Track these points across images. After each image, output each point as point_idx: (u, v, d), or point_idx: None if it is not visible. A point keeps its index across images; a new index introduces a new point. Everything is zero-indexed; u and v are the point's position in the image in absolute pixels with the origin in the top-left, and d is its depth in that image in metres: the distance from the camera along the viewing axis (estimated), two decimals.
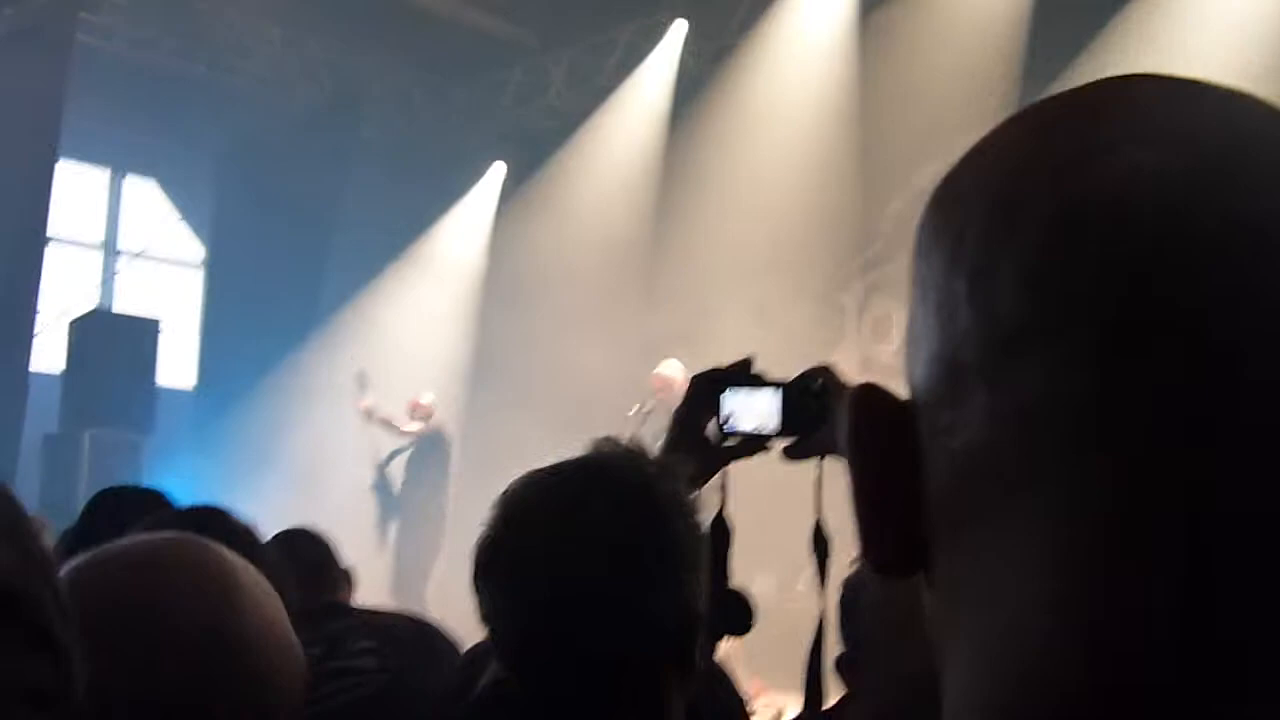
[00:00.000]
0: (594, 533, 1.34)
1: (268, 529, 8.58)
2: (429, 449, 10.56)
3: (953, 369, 0.56)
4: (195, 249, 13.77)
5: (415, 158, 12.60)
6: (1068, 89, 0.62)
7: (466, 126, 12.85)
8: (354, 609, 3.12)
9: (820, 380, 1.49)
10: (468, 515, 8.41)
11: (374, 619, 2.98)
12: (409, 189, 12.38)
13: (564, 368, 11.32)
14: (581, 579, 1.33)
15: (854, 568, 2.13)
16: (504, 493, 1.42)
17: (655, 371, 8.50)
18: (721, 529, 1.51)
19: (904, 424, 0.60)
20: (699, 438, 1.49)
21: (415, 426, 10.49)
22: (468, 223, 13.20)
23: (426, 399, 10.47)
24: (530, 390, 11.35)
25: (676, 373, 8.45)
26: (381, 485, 10.84)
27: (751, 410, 1.48)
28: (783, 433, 1.49)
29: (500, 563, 1.38)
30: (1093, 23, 9.76)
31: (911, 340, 0.62)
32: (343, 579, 3.35)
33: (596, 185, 12.06)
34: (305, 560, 3.11)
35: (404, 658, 2.75)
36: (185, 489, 11.26)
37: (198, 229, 13.62)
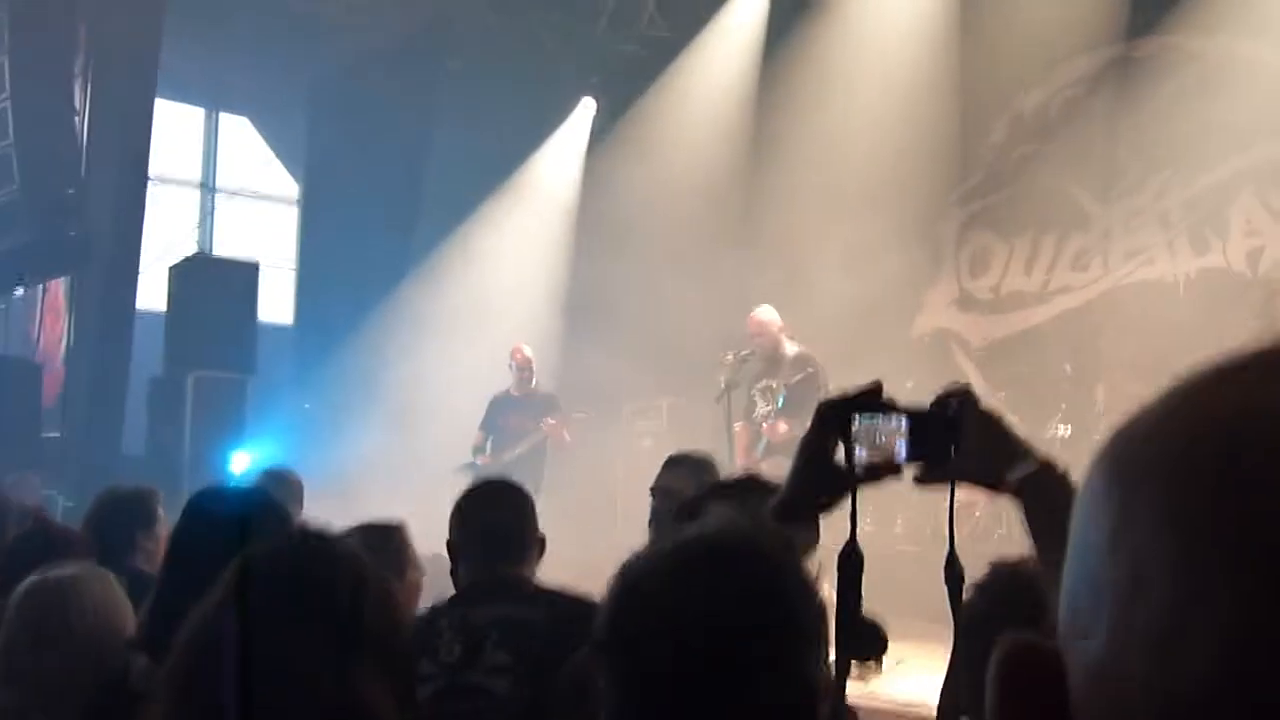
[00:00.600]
0: (717, 621, 1.36)
1: (371, 466, 8.75)
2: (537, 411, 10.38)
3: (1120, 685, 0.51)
4: (290, 186, 13.92)
5: (504, 89, 12.54)
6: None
7: (557, 56, 12.76)
8: (520, 586, 3.28)
9: (955, 406, 1.47)
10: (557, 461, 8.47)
11: (530, 612, 3.11)
12: (499, 122, 12.36)
13: (659, 307, 11.30)
14: (703, 659, 1.35)
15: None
16: (624, 570, 1.43)
17: (751, 315, 8.43)
18: (852, 557, 1.49)
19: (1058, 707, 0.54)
20: (828, 464, 1.47)
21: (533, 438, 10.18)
22: (559, 158, 13.15)
23: (527, 351, 10.33)
24: (626, 330, 11.35)
25: (773, 316, 8.37)
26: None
27: (880, 438, 1.45)
28: (911, 460, 1.46)
29: (621, 642, 1.40)
30: None
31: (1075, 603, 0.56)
32: (529, 546, 3.45)
33: (691, 120, 11.93)
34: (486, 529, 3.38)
35: (539, 678, 2.82)
36: (287, 428, 11.55)
37: (291, 166, 13.75)
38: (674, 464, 4.17)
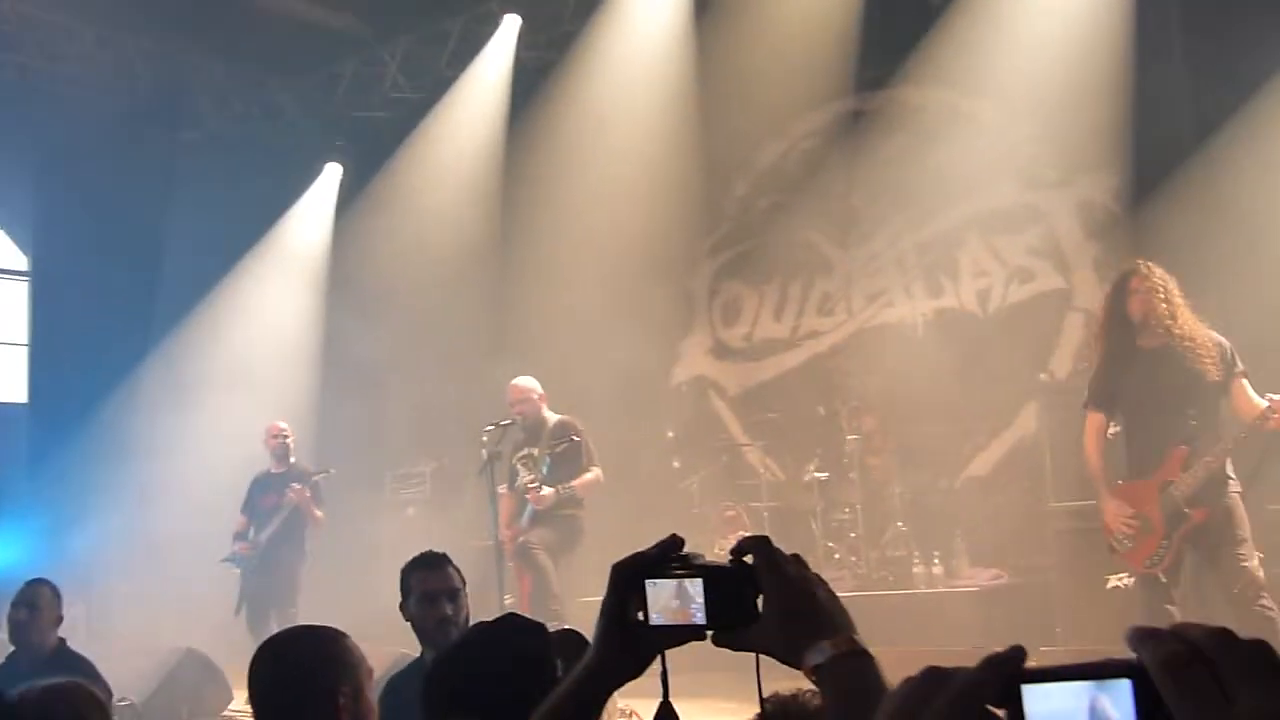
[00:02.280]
0: None
1: (110, 552, 8.31)
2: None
3: None
4: (18, 258, 13.21)
5: (244, 158, 12.21)
6: None
7: (299, 123, 12.51)
8: None
9: (747, 562, 1.37)
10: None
11: None
12: (241, 190, 11.98)
13: (417, 370, 11.16)
14: None
15: None
16: None
17: (512, 384, 8.39)
18: (666, 716, 1.46)
19: None
20: (629, 627, 1.41)
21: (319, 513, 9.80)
22: (307, 224, 12.85)
23: (282, 424, 9.97)
24: (385, 395, 11.18)
25: (533, 384, 8.36)
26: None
27: (676, 600, 1.36)
28: (708, 625, 1.36)
29: None
30: (923, 1, 9.94)
31: None
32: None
33: (440, 182, 11.85)
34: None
35: None
36: (20, 516, 10.89)
37: (19, 239, 13.06)
38: (434, 564, 4.09)
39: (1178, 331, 5.80)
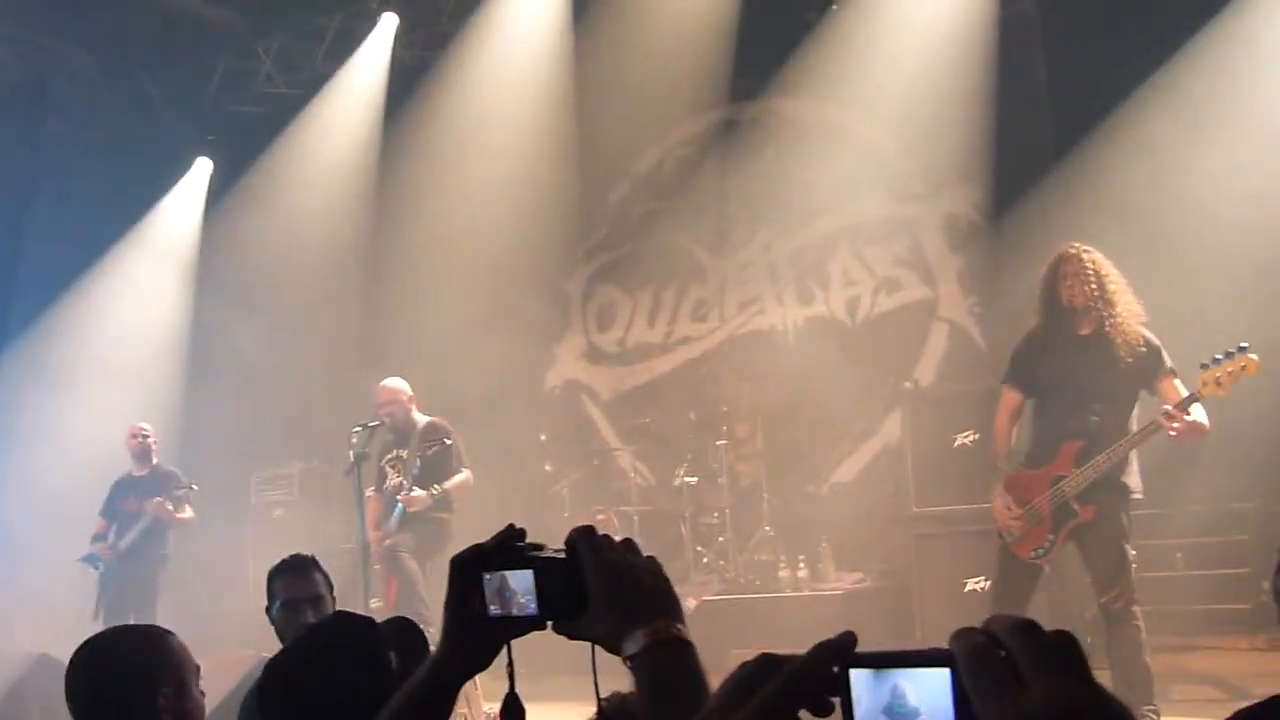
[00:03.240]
0: None
1: None
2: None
3: None
4: None
5: (112, 149, 11.86)
6: None
7: (169, 115, 12.21)
8: None
9: (572, 551, 1.39)
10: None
11: None
12: (108, 182, 11.65)
13: (285, 368, 10.98)
14: None
15: None
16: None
17: (381, 385, 8.31)
18: (512, 708, 1.48)
19: None
20: (472, 620, 1.43)
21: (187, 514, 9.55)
22: (175, 218, 12.52)
23: (145, 426, 9.67)
24: (253, 393, 10.96)
25: (403, 386, 8.29)
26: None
27: (510, 591, 1.39)
28: (541, 615, 1.39)
29: None
30: (798, 15, 10.12)
31: None
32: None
33: (314, 179, 11.66)
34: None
35: None
36: None
37: None
38: (299, 569, 4.03)
39: (1108, 321, 5.67)
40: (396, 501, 7.99)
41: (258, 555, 9.96)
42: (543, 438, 10.66)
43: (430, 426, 8.18)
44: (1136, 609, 5.56)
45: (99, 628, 8.86)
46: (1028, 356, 5.99)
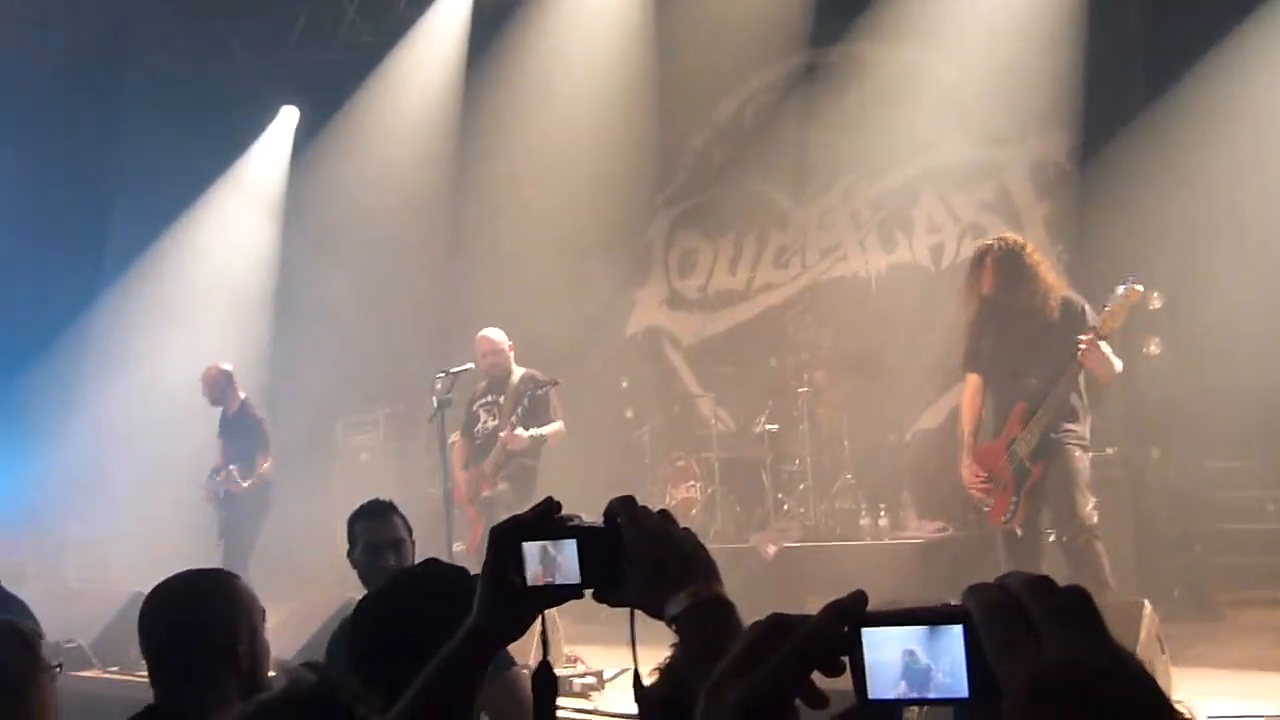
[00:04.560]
0: None
1: (61, 495, 8.27)
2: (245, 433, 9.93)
3: None
4: None
5: (195, 100, 12.03)
6: None
7: (252, 66, 12.34)
8: None
9: (616, 522, 1.42)
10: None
11: None
12: (192, 133, 11.82)
13: (370, 313, 11.13)
14: None
15: None
16: None
17: (481, 335, 8.36)
18: (544, 677, 1.51)
19: None
20: (509, 588, 1.46)
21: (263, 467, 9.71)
22: (261, 167, 12.72)
23: (225, 366, 9.80)
24: (339, 338, 11.13)
25: (502, 337, 8.35)
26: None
27: (552, 561, 1.43)
28: (584, 584, 1.42)
29: None
30: None
31: None
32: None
33: (398, 126, 11.77)
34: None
35: None
36: None
37: None
38: (379, 514, 4.11)
39: (1030, 294, 6.05)
40: (492, 443, 8.06)
41: (345, 498, 10.14)
42: (624, 384, 10.71)
43: (529, 376, 8.25)
44: (1097, 545, 5.87)
45: (218, 557, 9.05)
46: (971, 340, 6.42)
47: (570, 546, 1.43)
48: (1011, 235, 6.43)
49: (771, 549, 8.49)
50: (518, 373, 8.29)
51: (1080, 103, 8.96)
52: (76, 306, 11.63)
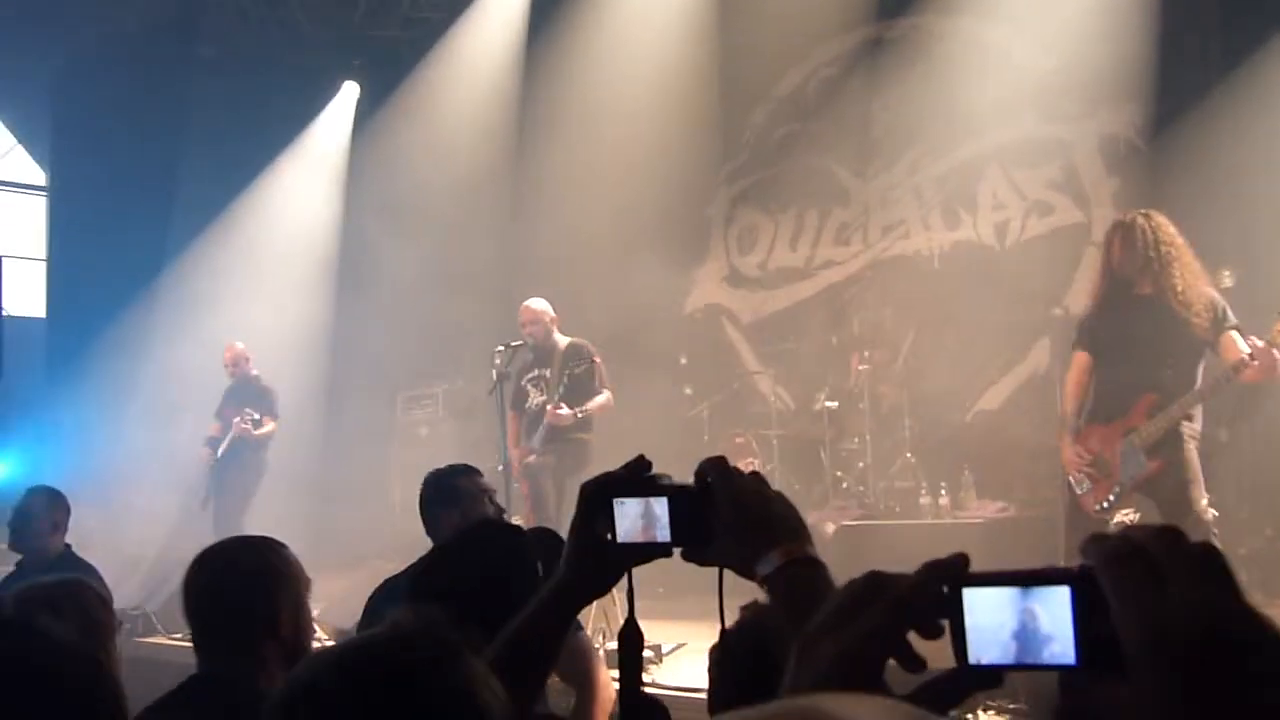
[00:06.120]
0: None
1: (129, 464, 8.44)
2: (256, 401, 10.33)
3: None
4: (36, 173, 13.25)
5: (261, 76, 12.16)
6: None
7: (316, 42, 12.42)
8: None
9: (706, 482, 1.42)
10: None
11: None
12: (257, 108, 11.96)
13: (430, 287, 11.18)
14: None
15: None
16: (292, 680, 1.28)
17: (524, 305, 8.43)
18: (631, 634, 1.51)
19: None
20: (598, 545, 1.46)
21: (268, 428, 10.19)
22: (324, 143, 12.83)
23: (239, 346, 10.36)
24: (400, 310, 11.21)
25: (545, 307, 8.41)
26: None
27: (642, 519, 1.42)
28: (674, 542, 1.42)
29: None
30: None
31: None
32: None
33: (458, 103, 11.81)
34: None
35: None
36: (41, 430, 10.99)
37: (37, 153, 13.09)
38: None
39: (1166, 283, 5.82)
40: (541, 419, 8.11)
41: (404, 473, 10.23)
42: (683, 361, 10.69)
43: (573, 346, 8.27)
44: (1212, 541, 5.56)
45: (206, 520, 9.49)
46: (1092, 319, 6.22)
47: (661, 504, 1.43)
48: (1155, 213, 6.06)
49: (831, 527, 8.45)
50: (563, 342, 8.31)
51: (1151, 77, 8.78)
52: (144, 277, 11.79)
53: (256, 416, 10.01)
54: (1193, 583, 0.80)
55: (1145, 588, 0.81)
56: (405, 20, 12.19)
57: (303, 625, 2.67)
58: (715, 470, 1.43)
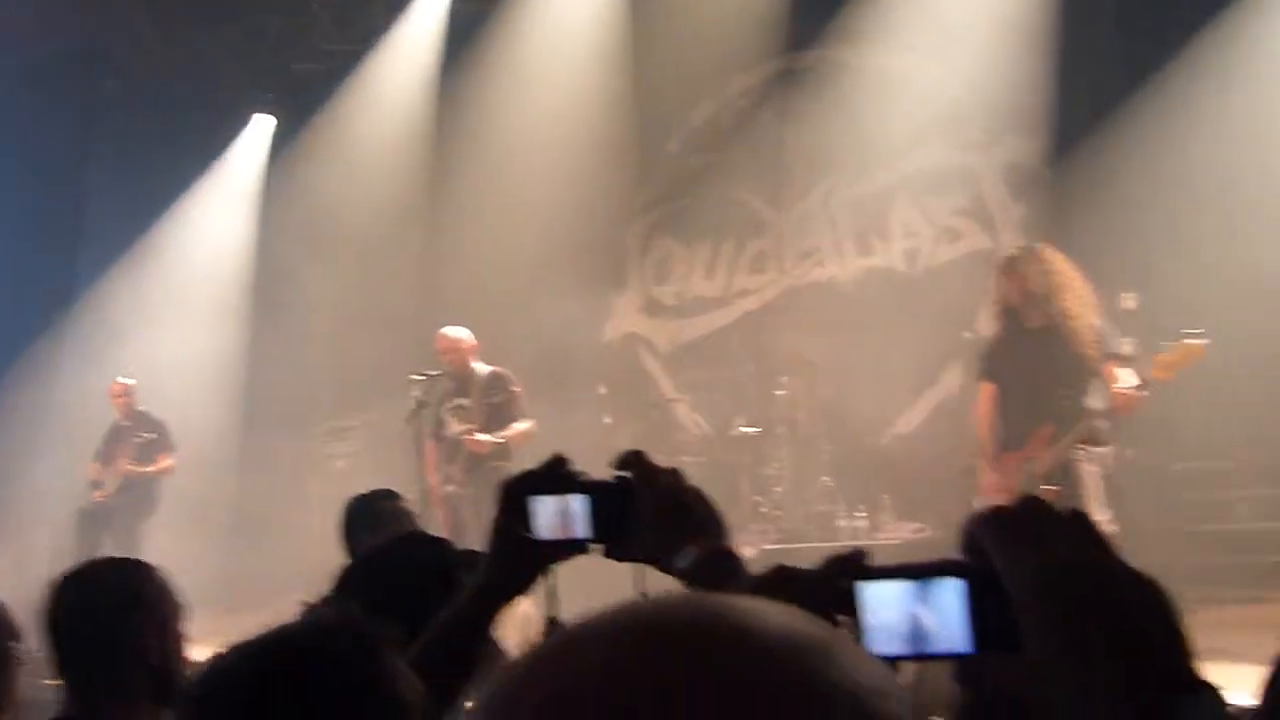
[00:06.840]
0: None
1: (35, 500, 8.20)
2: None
3: None
4: None
5: (169, 109, 12.00)
6: None
7: (227, 74, 12.30)
8: None
9: (627, 476, 1.42)
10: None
11: None
12: (165, 141, 11.80)
13: (346, 318, 11.10)
14: None
15: None
16: (210, 669, 1.30)
17: (441, 333, 8.41)
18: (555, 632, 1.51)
19: None
20: (519, 543, 1.45)
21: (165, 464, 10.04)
22: (236, 172, 12.68)
23: (126, 381, 10.17)
24: (315, 344, 11.10)
25: (464, 335, 8.39)
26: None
27: (561, 516, 1.42)
28: (594, 539, 1.42)
29: None
30: None
31: None
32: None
33: (371, 135, 11.76)
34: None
35: None
36: None
37: None
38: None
39: (1056, 315, 6.00)
40: (460, 447, 8.07)
41: (322, 505, 10.10)
42: (602, 390, 10.69)
43: (493, 375, 8.26)
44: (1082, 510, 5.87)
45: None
46: (991, 351, 6.47)
47: (580, 501, 1.43)
48: (1044, 246, 6.33)
49: (750, 551, 8.49)
50: (482, 371, 8.30)
51: (1054, 106, 9.00)
52: (50, 311, 11.56)
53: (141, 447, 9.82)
54: (1069, 541, 0.86)
55: (1026, 541, 0.86)
56: (317, 52, 12.11)
57: (171, 652, 2.49)
58: (634, 463, 1.44)
